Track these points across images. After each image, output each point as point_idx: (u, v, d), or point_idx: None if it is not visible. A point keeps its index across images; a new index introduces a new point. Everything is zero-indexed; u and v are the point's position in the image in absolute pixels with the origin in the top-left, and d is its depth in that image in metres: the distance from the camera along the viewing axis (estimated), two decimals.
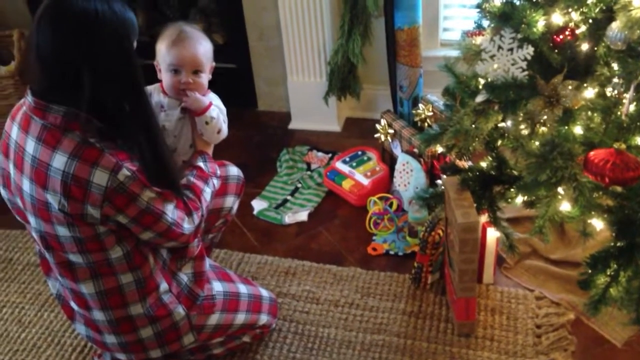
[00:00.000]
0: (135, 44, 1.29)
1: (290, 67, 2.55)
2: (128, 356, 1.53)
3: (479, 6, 1.43)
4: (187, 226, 1.41)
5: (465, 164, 1.77)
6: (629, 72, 1.23)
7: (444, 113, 1.88)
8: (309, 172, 2.43)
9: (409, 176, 2.11)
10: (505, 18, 1.36)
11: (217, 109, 1.59)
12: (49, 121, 1.25)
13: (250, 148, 2.61)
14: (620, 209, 1.33)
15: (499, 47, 1.36)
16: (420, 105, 2.16)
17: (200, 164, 1.55)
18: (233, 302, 1.60)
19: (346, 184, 2.24)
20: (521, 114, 1.40)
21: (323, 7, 2.34)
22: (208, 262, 1.60)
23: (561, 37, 1.32)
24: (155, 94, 1.59)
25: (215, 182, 1.57)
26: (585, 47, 1.32)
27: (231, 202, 1.73)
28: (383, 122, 2.27)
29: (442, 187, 1.69)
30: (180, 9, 2.87)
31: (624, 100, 1.28)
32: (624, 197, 1.33)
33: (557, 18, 1.33)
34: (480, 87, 1.48)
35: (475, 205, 1.56)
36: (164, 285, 1.46)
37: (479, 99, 1.45)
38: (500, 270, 1.92)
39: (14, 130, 1.32)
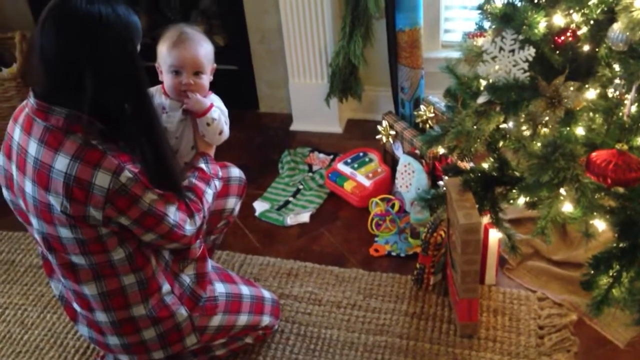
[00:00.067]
0: (138, 47, 1.29)
1: (291, 69, 2.55)
2: (131, 357, 1.53)
3: (480, 7, 1.43)
4: (189, 228, 1.41)
5: (467, 165, 1.77)
6: (630, 73, 1.23)
7: (446, 114, 1.88)
8: (310, 174, 2.43)
9: (411, 177, 2.11)
10: (507, 19, 1.36)
11: (218, 110, 1.60)
12: (51, 123, 1.25)
13: (251, 150, 2.62)
14: (623, 209, 1.33)
15: (501, 49, 1.37)
16: (422, 107, 2.16)
17: (202, 165, 1.55)
18: (235, 303, 1.61)
19: (348, 186, 2.24)
20: (523, 115, 1.40)
21: (324, 9, 2.35)
22: (210, 263, 1.60)
23: (562, 38, 1.32)
24: (156, 95, 1.60)
25: (217, 183, 1.57)
26: (586, 48, 1.32)
27: (233, 203, 1.74)
28: (384, 123, 2.27)
29: (444, 188, 1.69)
30: (182, 11, 2.88)
31: (626, 101, 1.28)
32: (626, 198, 1.33)
33: (559, 19, 1.33)
34: (482, 88, 1.48)
35: (477, 206, 1.56)
36: (166, 287, 1.46)
37: (481, 100, 1.45)
38: (503, 272, 1.92)
39: (16, 132, 1.32)
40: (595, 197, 1.32)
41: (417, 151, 2.11)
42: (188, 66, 1.53)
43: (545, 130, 1.38)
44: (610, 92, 1.32)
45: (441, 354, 1.69)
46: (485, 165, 1.63)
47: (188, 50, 1.53)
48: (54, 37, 1.20)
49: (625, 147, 1.22)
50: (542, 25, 1.32)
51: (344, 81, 2.46)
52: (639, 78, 1.23)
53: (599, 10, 1.26)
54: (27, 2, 2.80)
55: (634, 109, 1.28)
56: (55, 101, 1.25)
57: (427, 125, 2.15)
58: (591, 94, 1.33)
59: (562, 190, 1.37)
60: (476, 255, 1.58)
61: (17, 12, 2.82)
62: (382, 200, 2.16)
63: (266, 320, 1.69)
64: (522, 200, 1.52)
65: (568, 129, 1.34)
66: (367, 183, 2.23)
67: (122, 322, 1.44)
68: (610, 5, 1.24)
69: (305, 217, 2.22)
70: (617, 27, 1.20)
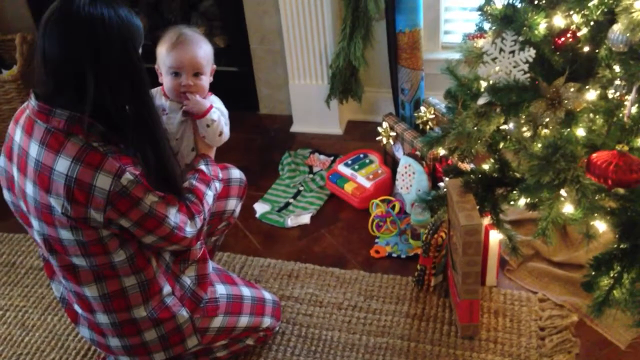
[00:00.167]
0: (140, 49, 1.29)
1: (291, 71, 2.55)
2: (132, 359, 1.53)
3: (480, 9, 1.43)
4: (190, 230, 1.41)
5: (467, 166, 1.77)
6: (630, 75, 1.23)
7: (446, 116, 1.88)
8: (311, 175, 2.44)
9: (411, 179, 2.11)
10: (507, 21, 1.36)
11: (218, 112, 1.60)
12: (53, 125, 1.25)
13: (252, 151, 2.62)
14: (623, 210, 1.33)
15: (501, 50, 1.37)
16: (422, 108, 2.16)
17: (202, 167, 1.55)
18: (236, 304, 1.61)
19: (348, 187, 2.25)
20: (523, 117, 1.40)
21: (324, 10, 2.35)
22: (211, 265, 1.60)
23: (563, 39, 1.32)
24: (157, 97, 1.60)
25: (218, 185, 1.57)
26: (586, 49, 1.33)
27: (234, 204, 1.74)
28: (385, 124, 2.27)
29: (445, 190, 1.69)
30: (182, 12, 2.88)
31: (626, 103, 1.28)
32: (626, 199, 1.33)
33: (559, 20, 1.33)
34: (482, 89, 1.48)
35: (478, 207, 1.56)
36: (167, 288, 1.46)
37: (481, 101, 1.45)
38: (503, 273, 1.92)
39: (17, 134, 1.33)
40: (596, 198, 1.32)
41: (417, 152, 2.11)
42: (187, 67, 1.54)
43: (545, 131, 1.38)
44: (611, 93, 1.32)
45: (442, 356, 1.69)
46: (485, 167, 1.63)
47: (187, 52, 1.53)
48: (56, 39, 1.20)
49: (626, 148, 1.23)
50: (542, 27, 1.32)
51: (344, 82, 2.46)
52: (639, 79, 1.23)
53: (599, 12, 1.26)
54: (27, 4, 2.80)
55: (634, 110, 1.29)
56: (56, 103, 1.25)
57: (428, 127, 2.15)
58: (591, 95, 1.33)
59: (562, 192, 1.37)
60: (477, 257, 1.58)
61: (18, 14, 2.82)
62: (382, 201, 2.16)
63: (267, 321, 1.69)
64: (522, 201, 1.52)
65: (568, 130, 1.34)
66: (367, 184, 2.23)
67: (123, 323, 1.44)
68: (611, 6, 1.24)
69: (305, 219, 2.22)
70: (617, 28, 1.20)
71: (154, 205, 1.32)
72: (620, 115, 1.31)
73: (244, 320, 1.62)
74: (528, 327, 1.74)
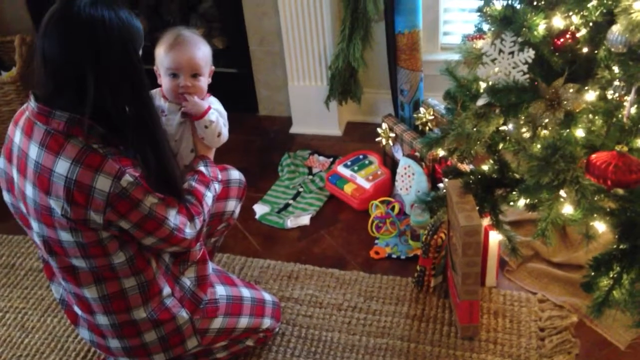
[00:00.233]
0: (140, 51, 1.30)
1: (291, 72, 2.55)
2: None
3: (479, 10, 1.43)
4: (189, 231, 1.41)
5: (467, 167, 1.78)
6: (630, 75, 1.24)
7: (445, 117, 1.88)
8: (310, 176, 2.44)
9: (411, 180, 2.12)
10: (506, 22, 1.36)
11: (216, 113, 1.60)
12: (52, 127, 1.25)
13: (251, 153, 2.62)
14: (623, 211, 1.34)
15: (500, 51, 1.37)
16: (421, 109, 2.17)
17: (202, 168, 1.55)
18: (236, 305, 1.61)
19: (348, 188, 2.25)
20: (522, 117, 1.40)
21: (323, 11, 2.35)
22: (211, 266, 1.60)
23: (562, 40, 1.33)
24: (155, 98, 1.60)
25: (217, 186, 1.57)
26: (586, 50, 1.33)
27: (233, 205, 1.74)
28: (384, 126, 2.27)
29: (444, 191, 1.69)
30: (181, 14, 2.89)
31: (625, 103, 1.28)
32: (626, 200, 1.33)
33: (558, 21, 1.33)
34: (482, 90, 1.48)
35: (477, 208, 1.56)
36: (166, 290, 1.46)
37: (480, 102, 1.45)
38: (503, 273, 1.92)
39: (17, 136, 1.33)
40: (595, 198, 1.32)
41: (417, 154, 2.11)
42: (185, 68, 1.54)
43: (545, 132, 1.39)
44: (610, 94, 1.32)
45: (442, 356, 1.69)
46: (485, 168, 1.64)
47: (185, 53, 1.53)
48: (57, 40, 1.20)
49: (625, 148, 1.23)
50: (541, 28, 1.32)
51: (344, 84, 2.46)
52: (638, 80, 1.23)
53: (598, 13, 1.26)
54: (26, 5, 2.80)
55: (633, 110, 1.29)
56: (56, 105, 1.25)
57: (427, 128, 2.15)
58: (591, 96, 1.33)
59: (562, 192, 1.37)
60: (477, 257, 1.58)
61: (17, 15, 2.83)
62: (382, 202, 2.16)
63: (267, 322, 1.69)
64: (522, 202, 1.52)
65: (568, 131, 1.35)
66: (367, 185, 2.23)
67: (123, 325, 1.44)
68: (610, 7, 1.24)
69: (305, 220, 2.22)
70: (616, 29, 1.20)
71: (154, 206, 1.32)
72: (620, 116, 1.31)
73: (243, 321, 1.62)
74: (528, 327, 1.74)
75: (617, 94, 1.30)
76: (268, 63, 2.68)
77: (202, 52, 1.56)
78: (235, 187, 1.74)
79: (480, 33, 1.51)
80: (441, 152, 1.66)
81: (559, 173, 1.27)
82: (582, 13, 1.30)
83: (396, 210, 2.15)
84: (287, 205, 2.30)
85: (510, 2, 1.38)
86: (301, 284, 1.96)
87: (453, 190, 1.60)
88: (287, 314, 1.86)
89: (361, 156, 2.38)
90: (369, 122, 2.67)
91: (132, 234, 1.33)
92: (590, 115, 1.34)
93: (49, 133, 1.26)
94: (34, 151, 1.27)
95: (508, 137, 1.54)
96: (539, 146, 1.37)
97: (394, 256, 2.03)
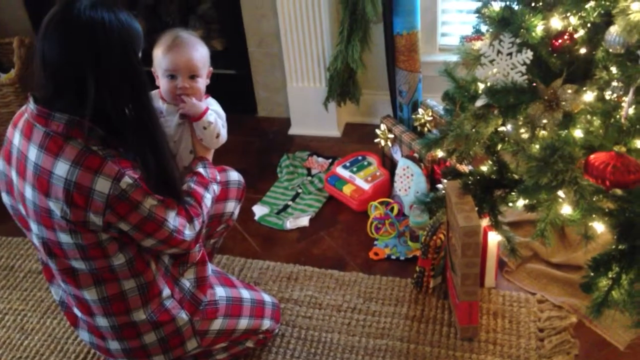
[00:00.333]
0: (140, 53, 1.30)
1: (289, 73, 2.56)
2: None
3: (478, 11, 1.44)
4: (189, 233, 1.41)
5: (465, 168, 1.78)
6: (628, 76, 1.24)
7: (444, 118, 1.88)
8: (309, 178, 2.44)
9: (410, 181, 2.12)
10: (504, 23, 1.36)
11: (214, 114, 1.60)
12: (52, 129, 1.25)
13: (250, 154, 2.62)
14: (622, 211, 1.34)
15: (498, 52, 1.37)
16: (420, 110, 2.17)
17: (200, 169, 1.55)
18: (236, 307, 1.61)
19: (347, 189, 2.25)
20: (521, 118, 1.41)
21: (322, 13, 2.35)
22: (210, 267, 1.60)
23: (560, 41, 1.33)
24: (154, 100, 1.60)
25: (216, 187, 1.57)
26: (584, 51, 1.33)
27: (232, 207, 1.74)
28: (383, 127, 2.28)
29: (443, 191, 1.70)
30: (180, 16, 2.89)
31: (623, 104, 1.29)
32: (624, 200, 1.33)
33: (556, 22, 1.34)
34: (480, 91, 1.49)
35: (476, 209, 1.56)
36: (166, 291, 1.46)
37: (479, 103, 1.45)
38: (502, 274, 1.92)
39: (16, 137, 1.33)
40: (594, 199, 1.33)
41: (415, 155, 2.11)
42: (183, 70, 1.54)
43: (543, 132, 1.39)
44: (608, 94, 1.32)
45: (441, 357, 1.69)
46: (484, 168, 1.64)
47: (182, 54, 1.53)
48: (57, 42, 1.20)
49: (624, 149, 1.23)
50: (539, 29, 1.33)
51: (342, 85, 2.46)
52: (636, 80, 1.23)
53: (595, 14, 1.27)
54: (24, 7, 2.80)
55: (631, 111, 1.29)
56: (55, 107, 1.25)
57: (426, 129, 2.16)
58: (589, 96, 1.34)
59: (560, 193, 1.37)
60: (476, 258, 1.58)
61: (15, 17, 2.82)
62: (381, 203, 2.16)
63: (267, 324, 1.69)
64: (521, 202, 1.53)
65: (566, 131, 1.35)
66: (366, 187, 2.23)
67: (123, 326, 1.44)
68: (607, 8, 1.24)
69: (304, 221, 2.22)
70: (614, 30, 1.21)
71: (153, 208, 1.32)
72: (618, 116, 1.31)
73: (243, 323, 1.62)
74: (527, 328, 1.74)
75: (615, 95, 1.31)
76: (267, 64, 2.69)
77: (200, 53, 1.56)
78: (234, 189, 1.74)
79: (478, 34, 1.51)
80: (440, 153, 1.67)
81: (558, 174, 1.27)
82: (580, 14, 1.30)
83: (395, 211, 2.15)
84: (286, 207, 2.30)
85: (508, 3, 1.38)
86: (300, 285, 1.96)
87: (452, 191, 1.61)
88: (287, 315, 1.86)
89: (360, 157, 2.38)
90: (368, 123, 2.67)
91: (132, 236, 1.33)
92: (589, 116, 1.35)
93: (48, 135, 1.26)
94: (33, 153, 1.27)
95: (507, 138, 1.54)
96: (537, 147, 1.38)
97: (393, 257, 2.03)
